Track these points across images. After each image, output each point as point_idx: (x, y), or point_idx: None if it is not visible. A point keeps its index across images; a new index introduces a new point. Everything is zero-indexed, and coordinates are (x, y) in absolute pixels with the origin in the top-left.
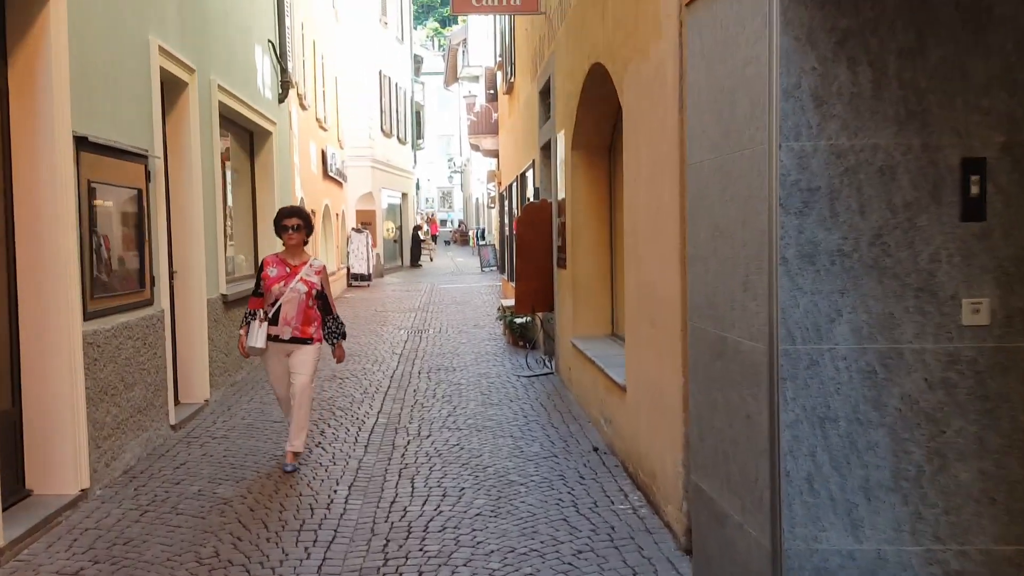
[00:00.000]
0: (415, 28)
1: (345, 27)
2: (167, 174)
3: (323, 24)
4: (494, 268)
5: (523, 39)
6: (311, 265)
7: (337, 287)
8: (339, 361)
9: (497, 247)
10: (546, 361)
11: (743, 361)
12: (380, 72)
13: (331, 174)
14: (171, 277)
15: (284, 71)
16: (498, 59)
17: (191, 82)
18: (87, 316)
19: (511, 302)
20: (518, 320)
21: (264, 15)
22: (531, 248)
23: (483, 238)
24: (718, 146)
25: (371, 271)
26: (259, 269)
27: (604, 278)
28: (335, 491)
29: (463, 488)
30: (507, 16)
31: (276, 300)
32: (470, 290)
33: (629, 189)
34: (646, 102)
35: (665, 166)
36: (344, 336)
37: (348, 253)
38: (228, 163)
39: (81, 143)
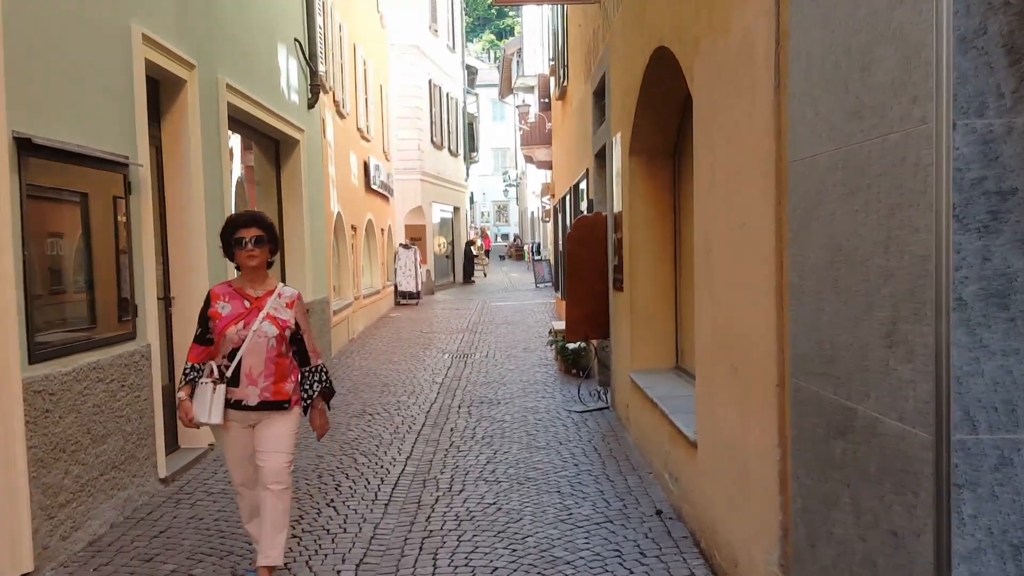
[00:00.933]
0: (471, 41)
1: (391, 33)
2: (161, 185)
3: (366, 28)
4: (549, 284)
5: (576, 37)
6: (280, 295)
7: (383, 306)
8: (320, 435)
9: (552, 262)
10: (601, 394)
11: (886, 449)
12: (430, 82)
13: (375, 187)
14: (168, 304)
15: (314, 74)
16: (551, 63)
17: (190, 79)
18: (32, 358)
19: (564, 324)
20: (570, 346)
21: (290, 12)
22: (584, 267)
23: (538, 253)
24: (841, 132)
25: (420, 288)
26: (205, 304)
27: (667, 302)
28: (338, 574)
29: (496, 568)
30: (560, 12)
31: (234, 349)
32: (522, 308)
33: (700, 199)
34: (725, 86)
35: (752, 166)
36: (331, 394)
37: (395, 270)
38: (240, 172)
39: (23, 145)
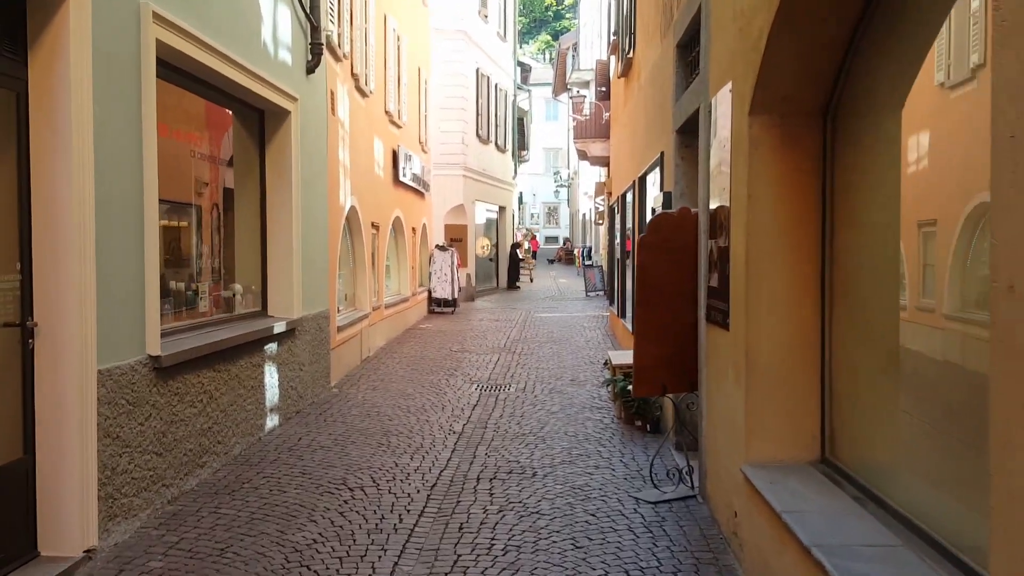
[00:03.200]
0: (526, 42)
1: (436, 16)
2: (21, 155)
3: (401, 1)
4: (600, 292)
5: None
6: None
7: (413, 315)
8: None
9: (605, 269)
10: (683, 473)
11: None
12: (477, 70)
13: (404, 180)
14: (26, 334)
15: (315, 30)
16: (612, 38)
17: None
18: None
19: (622, 356)
20: None
21: None
22: (662, 288)
23: (589, 257)
24: None
25: (456, 295)
26: None
27: (807, 355)
28: None
29: None
30: None
31: None
32: (571, 322)
33: (1002, 197)
34: None
35: None
36: None
37: (430, 274)
38: (193, 145)
39: None
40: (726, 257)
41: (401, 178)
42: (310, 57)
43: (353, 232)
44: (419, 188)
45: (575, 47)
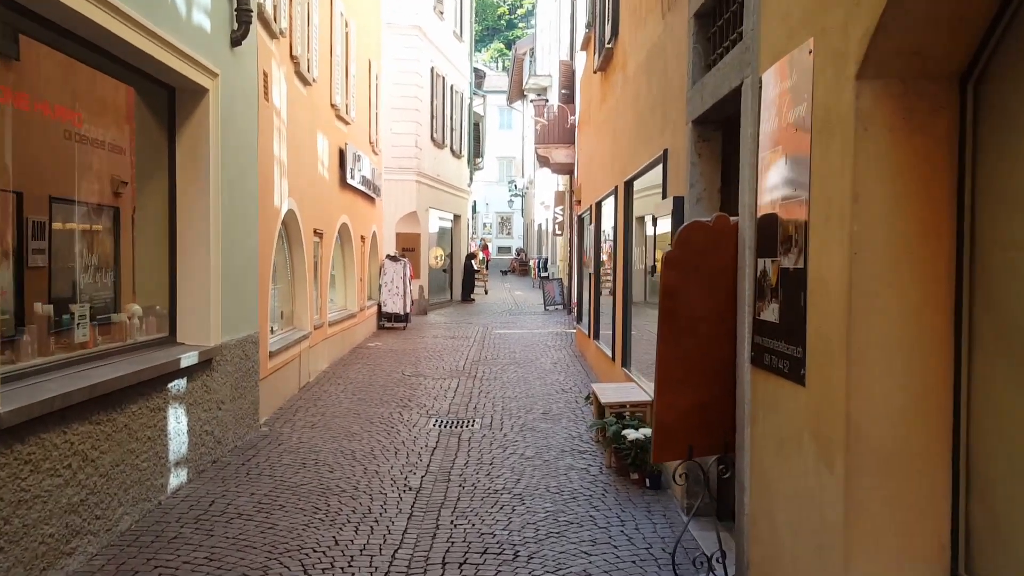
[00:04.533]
0: (479, 51)
1: (389, 9)
2: None
3: None
4: (560, 306)
5: None
6: None
7: (361, 332)
8: None
9: (566, 282)
10: (713, 560)
11: None
12: (432, 70)
13: (353, 183)
14: None
15: None
16: (585, 31)
17: None
18: None
19: (611, 391)
20: (631, 434)
21: None
22: (690, 319)
23: (545, 269)
24: None
25: (408, 309)
26: None
27: (937, 423)
28: None
29: None
30: None
31: None
32: (534, 340)
33: None
34: None
35: None
36: None
37: (380, 287)
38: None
39: None
40: (799, 283)
41: (349, 180)
42: (236, 26)
43: (292, 240)
44: (369, 192)
45: (532, 52)
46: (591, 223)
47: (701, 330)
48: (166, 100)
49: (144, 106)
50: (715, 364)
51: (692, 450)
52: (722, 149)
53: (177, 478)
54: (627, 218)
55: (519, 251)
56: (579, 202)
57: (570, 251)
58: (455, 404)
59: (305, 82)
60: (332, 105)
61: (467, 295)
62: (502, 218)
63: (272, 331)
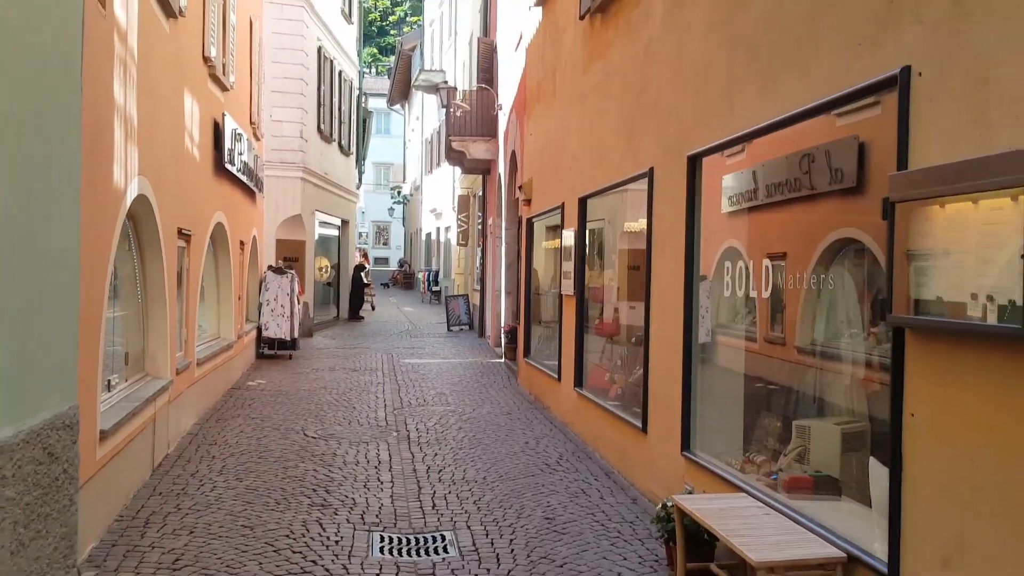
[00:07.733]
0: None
1: None
2: None
3: None
4: (466, 327)
5: None
6: None
7: (238, 367)
8: None
9: (474, 302)
10: None
11: None
12: (320, 50)
13: (232, 168)
14: None
15: None
16: None
17: None
18: None
19: (725, 518)
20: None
21: None
22: None
23: (436, 282)
24: None
25: (295, 334)
26: None
27: None
28: None
29: None
30: None
31: None
32: (456, 373)
33: None
34: None
35: None
36: None
37: (260, 305)
38: None
39: None
40: None
41: (227, 164)
42: None
43: (143, 242)
44: (251, 185)
45: (419, 47)
46: (571, 228)
47: None
48: None
49: None
50: None
51: None
52: None
53: None
54: (691, 215)
55: (402, 262)
56: (528, 202)
57: (483, 264)
58: (399, 498)
59: (169, 12)
60: (205, 58)
61: (355, 313)
62: (379, 227)
63: (109, 388)
